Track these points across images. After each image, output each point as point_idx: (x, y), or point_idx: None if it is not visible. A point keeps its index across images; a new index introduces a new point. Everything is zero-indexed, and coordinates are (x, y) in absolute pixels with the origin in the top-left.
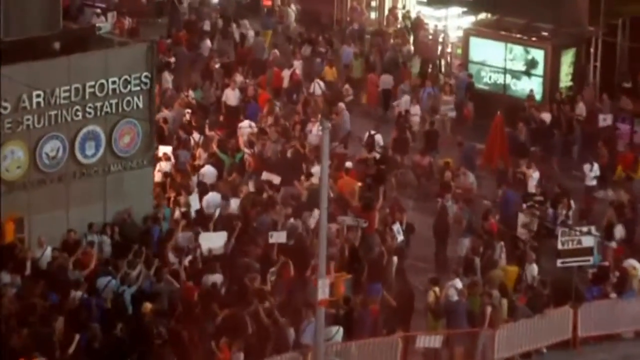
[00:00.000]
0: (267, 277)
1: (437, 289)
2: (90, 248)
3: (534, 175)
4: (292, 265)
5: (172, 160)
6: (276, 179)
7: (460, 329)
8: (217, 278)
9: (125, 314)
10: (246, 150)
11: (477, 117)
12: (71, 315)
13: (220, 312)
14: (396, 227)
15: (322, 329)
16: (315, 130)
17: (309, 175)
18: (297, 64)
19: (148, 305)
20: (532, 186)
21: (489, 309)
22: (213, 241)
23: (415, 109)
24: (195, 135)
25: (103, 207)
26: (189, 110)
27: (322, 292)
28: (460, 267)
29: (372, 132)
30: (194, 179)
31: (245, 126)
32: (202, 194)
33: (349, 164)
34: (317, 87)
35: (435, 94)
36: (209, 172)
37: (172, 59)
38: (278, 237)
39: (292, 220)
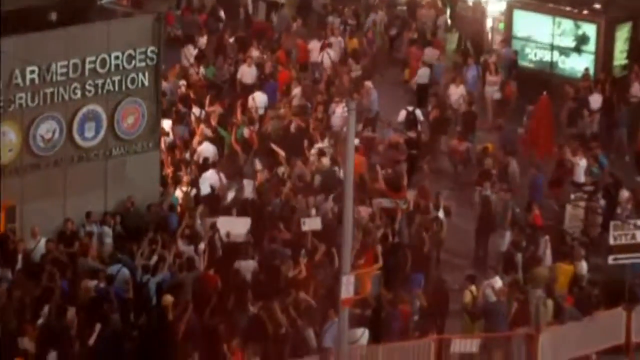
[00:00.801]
0: (301, 263)
1: (474, 287)
2: (88, 239)
3: (581, 163)
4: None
5: (171, 136)
6: (282, 153)
7: (499, 332)
8: (250, 265)
9: (149, 306)
10: (246, 128)
11: (520, 98)
12: (87, 307)
13: (253, 304)
14: (440, 211)
15: (345, 330)
16: (339, 111)
17: (321, 154)
18: (336, 41)
19: (169, 298)
20: (579, 175)
21: (515, 305)
22: (234, 227)
23: (458, 90)
24: (196, 111)
25: (104, 194)
26: (184, 82)
27: (346, 289)
28: (500, 263)
29: (410, 108)
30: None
31: (260, 100)
32: (200, 173)
33: (356, 141)
34: (327, 57)
35: (479, 74)
36: (207, 149)
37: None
38: (312, 223)
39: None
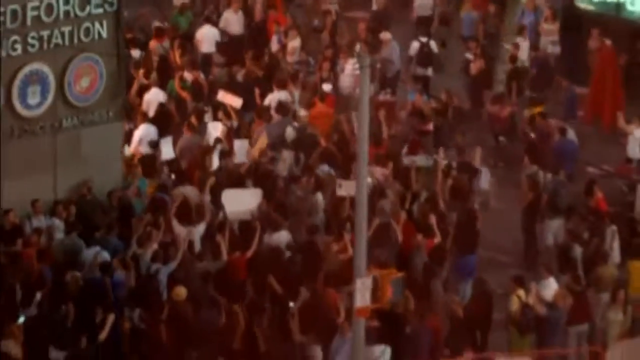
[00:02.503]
0: (345, 238)
1: (522, 292)
2: (35, 236)
3: (637, 133)
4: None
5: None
6: (237, 102)
7: (555, 348)
8: (283, 237)
9: (160, 300)
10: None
11: (579, 51)
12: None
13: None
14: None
15: (361, 347)
16: (349, 68)
17: (282, 110)
18: None
19: (182, 291)
20: (634, 148)
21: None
22: (242, 201)
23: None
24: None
25: (53, 178)
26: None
27: (362, 296)
28: (554, 260)
29: (424, 39)
30: None
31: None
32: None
33: (327, 87)
34: None
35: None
36: (155, 96)
37: None
38: (348, 187)
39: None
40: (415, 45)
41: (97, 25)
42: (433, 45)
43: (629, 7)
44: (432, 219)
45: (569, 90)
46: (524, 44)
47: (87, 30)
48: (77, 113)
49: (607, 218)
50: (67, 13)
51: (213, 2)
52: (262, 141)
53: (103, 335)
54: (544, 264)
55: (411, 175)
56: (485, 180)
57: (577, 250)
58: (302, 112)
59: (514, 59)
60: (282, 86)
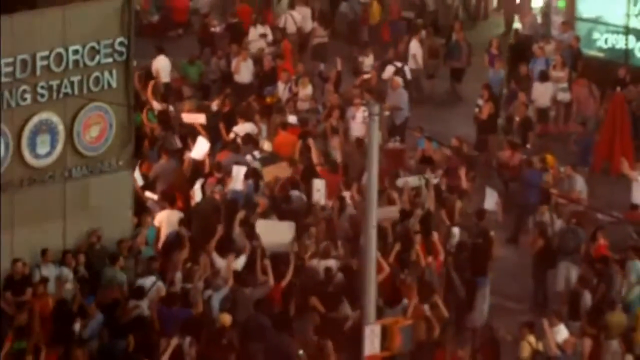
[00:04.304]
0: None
1: (532, 338)
2: (43, 288)
3: None
4: None
5: None
6: (201, 118)
7: None
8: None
9: (212, 326)
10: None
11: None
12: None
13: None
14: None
15: None
16: (359, 116)
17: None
18: None
19: (227, 318)
20: (638, 194)
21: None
22: (277, 233)
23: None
24: None
25: (62, 227)
26: None
27: (370, 343)
28: (563, 307)
29: (399, 63)
30: None
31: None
32: None
33: (292, 119)
34: (290, 21)
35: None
36: None
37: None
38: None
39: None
40: (389, 70)
41: (106, 74)
42: (407, 70)
43: (638, 54)
44: (435, 237)
45: (585, 136)
46: (545, 88)
47: (97, 79)
48: (86, 162)
49: (616, 264)
50: (76, 62)
51: (222, 51)
52: (280, 170)
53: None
54: (554, 310)
55: (406, 196)
56: (490, 201)
57: (587, 297)
58: (266, 144)
59: (524, 107)
60: (248, 118)
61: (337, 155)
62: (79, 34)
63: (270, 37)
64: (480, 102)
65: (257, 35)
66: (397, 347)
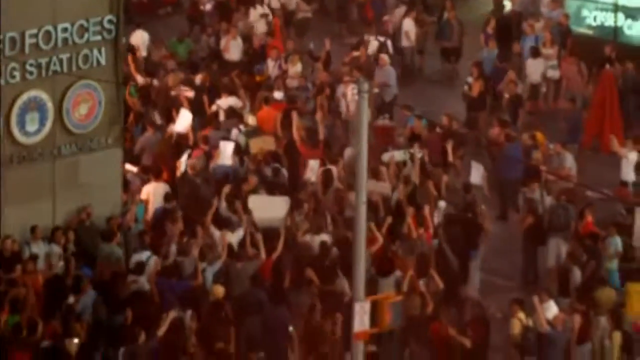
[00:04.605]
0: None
1: (522, 315)
2: (32, 265)
3: (630, 156)
4: None
5: None
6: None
7: None
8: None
9: (206, 299)
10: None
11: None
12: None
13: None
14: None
15: None
16: (350, 93)
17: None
18: None
19: (220, 289)
20: (627, 172)
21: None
22: (270, 209)
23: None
24: None
25: (52, 204)
26: None
27: (360, 320)
28: (553, 283)
29: (382, 38)
30: None
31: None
32: None
33: (278, 95)
34: None
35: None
36: None
37: None
38: (379, 187)
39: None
40: (374, 44)
41: (95, 52)
42: (389, 45)
43: (626, 32)
44: (426, 210)
45: (574, 113)
46: (537, 64)
47: (86, 57)
48: (75, 140)
49: (604, 241)
50: (65, 40)
51: (212, 28)
52: (265, 142)
53: (162, 331)
54: (544, 287)
55: (392, 170)
56: (476, 175)
57: (577, 273)
58: (251, 118)
59: (514, 84)
60: (231, 92)
61: (320, 131)
62: (68, 11)
63: (270, 17)
64: (470, 79)
65: (258, 16)
66: (386, 323)
